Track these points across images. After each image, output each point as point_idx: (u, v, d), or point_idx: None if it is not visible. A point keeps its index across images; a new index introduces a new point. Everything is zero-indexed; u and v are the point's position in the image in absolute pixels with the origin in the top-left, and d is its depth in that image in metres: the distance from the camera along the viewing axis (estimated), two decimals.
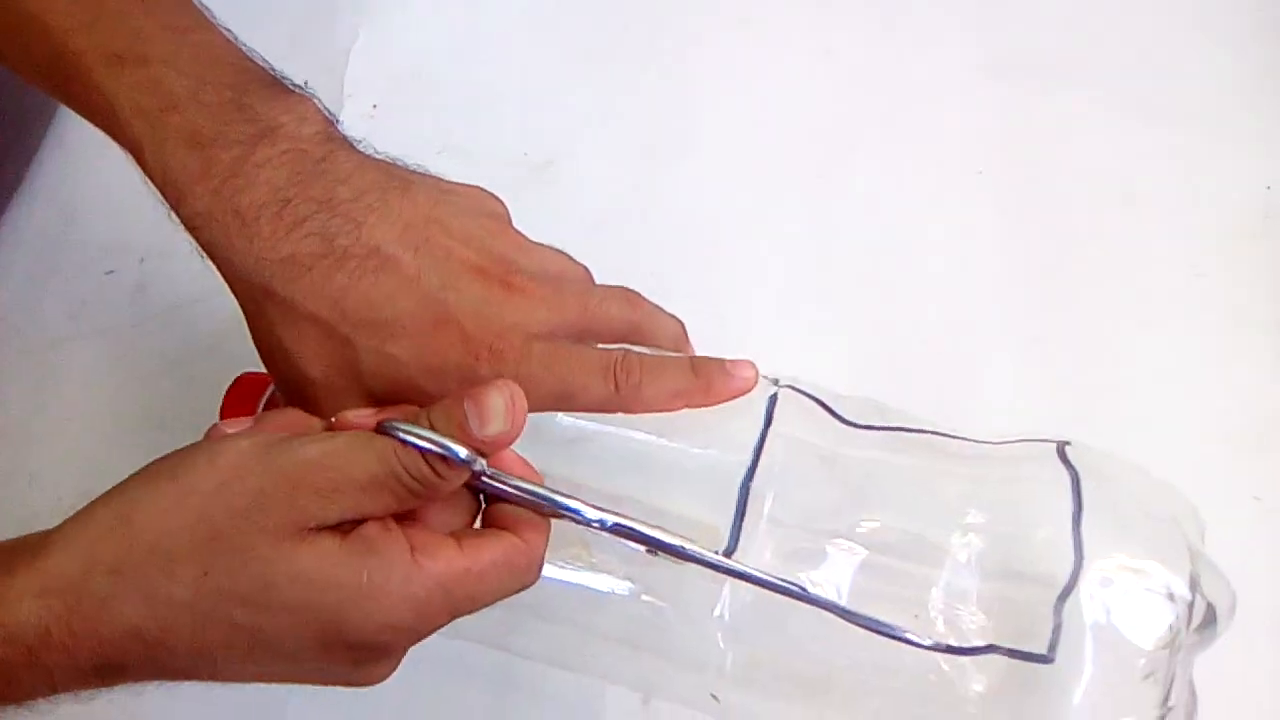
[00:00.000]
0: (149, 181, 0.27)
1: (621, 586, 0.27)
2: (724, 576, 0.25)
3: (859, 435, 0.28)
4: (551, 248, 0.29)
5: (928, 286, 0.42)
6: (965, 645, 0.24)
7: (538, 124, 0.46)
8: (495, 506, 0.24)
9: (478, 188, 0.29)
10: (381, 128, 0.47)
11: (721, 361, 0.27)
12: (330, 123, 0.27)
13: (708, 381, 0.26)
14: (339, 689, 0.24)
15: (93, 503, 0.22)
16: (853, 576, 0.26)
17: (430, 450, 0.22)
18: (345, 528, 0.22)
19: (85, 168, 0.47)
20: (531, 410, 0.25)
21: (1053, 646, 0.24)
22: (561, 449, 0.28)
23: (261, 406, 0.33)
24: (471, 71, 0.48)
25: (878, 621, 0.23)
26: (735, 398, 0.27)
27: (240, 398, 0.34)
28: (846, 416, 0.28)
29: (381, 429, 0.22)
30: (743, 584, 0.24)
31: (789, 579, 0.24)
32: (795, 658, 0.27)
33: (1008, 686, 0.25)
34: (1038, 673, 0.24)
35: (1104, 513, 0.26)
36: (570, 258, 0.29)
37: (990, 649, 0.24)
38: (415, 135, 0.46)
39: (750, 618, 0.26)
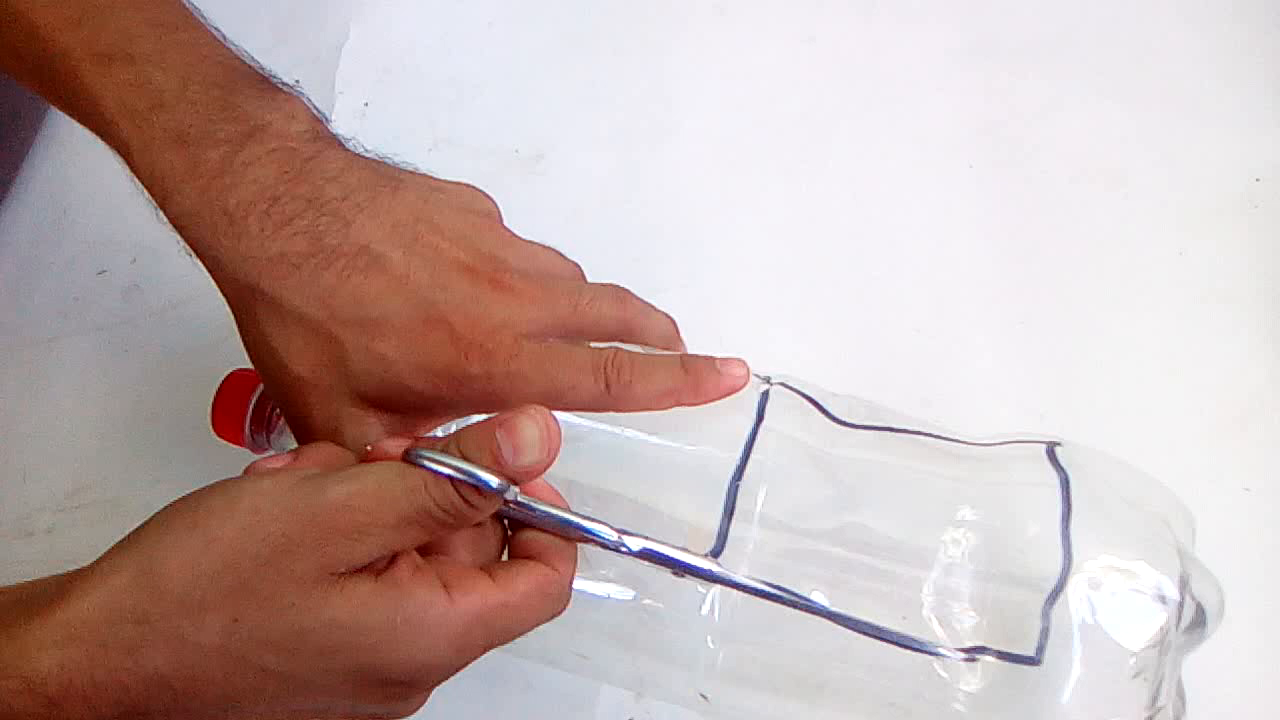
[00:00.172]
0: (136, 181, 0.27)
1: (612, 586, 0.27)
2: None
3: (850, 434, 0.28)
4: (542, 245, 0.29)
5: (912, 272, 0.42)
6: (953, 646, 0.24)
7: (528, 118, 0.46)
8: (522, 535, 0.24)
9: (468, 185, 0.29)
10: (373, 124, 0.47)
11: (712, 359, 0.27)
12: (319, 121, 0.27)
13: (698, 380, 0.26)
14: None
15: (112, 550, 0.21)
16: (842, 576, 0.26)
17: (462, 480, 0.22)
18: (376, 566, 0.22)
19: (77, 167, 0.47)
20: None
21: (1040, 649, 0.24)
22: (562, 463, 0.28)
23: (253, 403, 0.33)
24: (461, 66, 0.48)
25: (867, 624, 0.23)
26: (726, 396, 0.27)
27: (232, 395, 0.34)
28: (838, 415, 0.28)
29: (409, 459, 0.22)
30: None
31: (814, 600, 0.24)
32: (785, 657, 0.27)
33: (998, 686, 0.25)
34: (1028, 673, 0.24)
35: (1093, 514, 0.26)
36: (561, 255, 0.29)
37: (978, 651, 0.24)
38: (407, 131, 0.46)
39: (739, 617, 0.26)
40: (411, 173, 0.28)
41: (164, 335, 0.42)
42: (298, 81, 0.28)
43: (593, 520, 0.23)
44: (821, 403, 0.29)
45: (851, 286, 0.42)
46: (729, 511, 0.26)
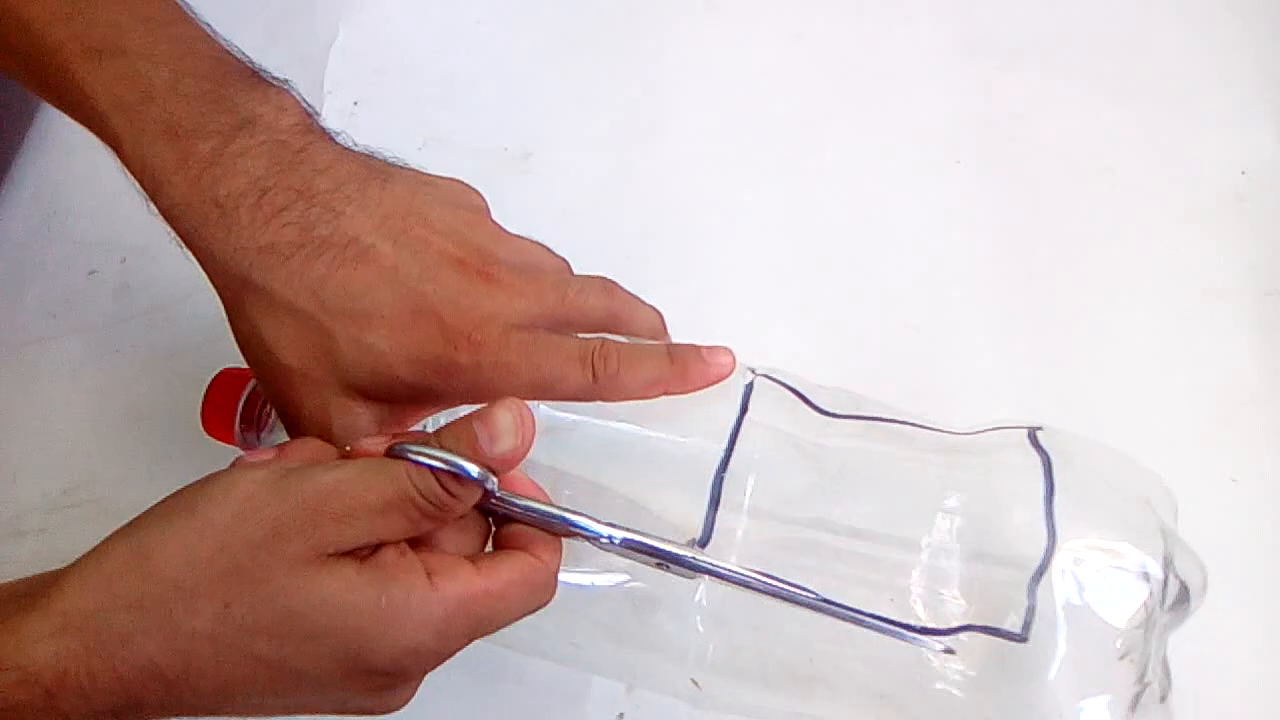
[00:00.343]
0: (128, 174, 0.27)
1: (601, 576, 0.27)
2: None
3: (835, 424, 0.28)
4: (530, 239, 0.29)
5: (905, 269, 0.42)
6: (941, 627, 0.24)
7: (516, 115, 0.47)
8: (506, 528, 0.24)
9: (457, 180, 0.29)
10: (363, 123, 0.47)
11: (698, 348, 0.27)
12: (309, 115, 0.27)
13: (684, 368, 0.27)
14: None
15: (107, 540, 0.22)
16: (829, 564, 0.26)
17: (443, 469, 0.22)
18: (362, 554, 0.22)
19: (68, 167, 0.47)
20: None
21: (1027, 626, 0.24)
22: (540, 438, 0.28)
23: (242, 402, 0.33)
24: (450, 64, 0.48)
25: (852, 611, 0.24)
26: (712, 384, 0.27)
27: (221, 393, 0.34)
28: (822, 406, 0.29)
29: (393, 452, 0.22)
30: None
31: (806, 589, 0.24)
32: (775, 645, 0.27)
33: (987, 667, 0.25)
34: (1016, 653, 0.25)
35: (1076, 494, 0.26)
36: (548, 249, 0.30)
37: (964, 629, 0.24)
38: (396, 130, 0.46)
39: (728, 606, 0.27)
40: (401, 167, 0.28)
41: (154, 335, 0.42)
42: (287, 81, 0.28)
43: (576, 513, 0.24)
44: (806, 394, 0.29)
45: (844, 283, 0.42)
46: (714, 502, 0.26)
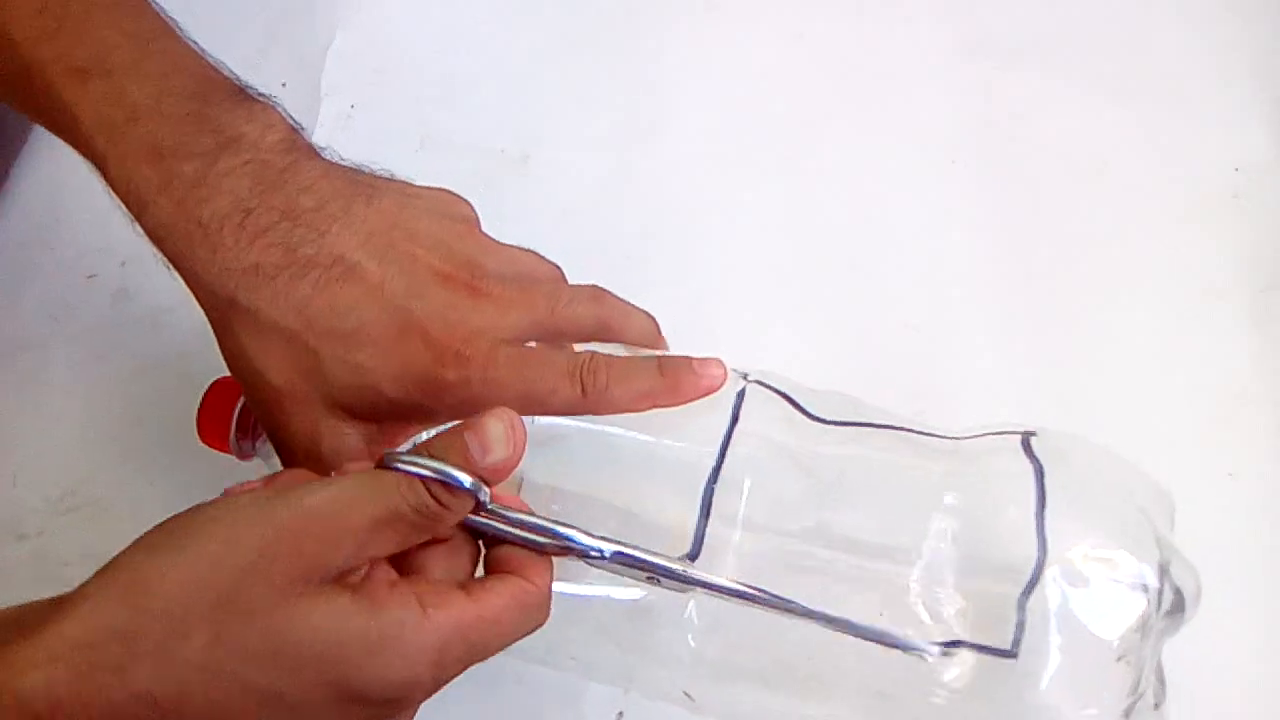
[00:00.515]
0: (113, 195, 0.27)
1: (594, 587, 0.27)
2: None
3: (827, 431, 0.28)
4: (520, 247, 0.29)
5: (904, 269, 0.42)
6: (931, 641, 0.24)
7: (515, 117, 0.47)
8: (496, 551, 0.24)
9: (445, 190, 0.29)
10: (360, 126, 0.47)
11: (689, 360, 0.27)
12: (294, 131, 0.27)
13: (675, 381, 0.26)
14: None
15: (98, 573, 0.21)
16: (822, 573, 0.26)
17: (433, 479, 0.22)
18: (354, 579, 0.22)
19: (67, 172, 0.46)
20: None
21: (1016, 642, 0.24)
22: (531, 450, 0.28)
23: (237, 412, 0.33)
24: (449, 65, 0.48)
25: (844, 622, 0.23)
26: (704, 396, 0.27)
27: (216, 403, 0.33)
28: (814, 412, 0.28)
29: (382, 463, 0.22)
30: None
31: (795, 602, 0.24)
32: (768, 654, 0.27)
33: (980, 677, 0.25)
34: (1007, 664, 0.24)
35: (1069, 501, 0.26)
36: (540, 256, 0.29)
37: (954, 645, 0.24)
38: (394, 132, 0.46)
39: (720, 617, 0.26)
40: (388, 180, 0.28)
41: (153, 339, 0.42)
42: (284, 85, 0.28)
43: (566, 525, 0.23)
44: (798, 399, 0.29)
45: (844, 283, 0.42)
46: (704, 513, 0.26)
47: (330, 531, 0.21)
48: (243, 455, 0.34)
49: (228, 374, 0.34)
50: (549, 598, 0.24)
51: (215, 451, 0.35)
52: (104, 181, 0.27)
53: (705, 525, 0.26)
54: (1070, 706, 0.24)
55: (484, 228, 0.29)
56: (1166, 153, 0.44)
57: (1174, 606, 0.25)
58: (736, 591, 0.24)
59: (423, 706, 0.24)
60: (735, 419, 0.28)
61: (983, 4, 0.48)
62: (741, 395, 0.28)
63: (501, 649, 0.23)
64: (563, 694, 0.35)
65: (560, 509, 0.27)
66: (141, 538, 0.22)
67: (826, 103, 0.46)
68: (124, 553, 0.21)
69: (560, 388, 0.26)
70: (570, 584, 0.27)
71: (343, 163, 0.28)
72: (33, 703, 0.20)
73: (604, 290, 0.29)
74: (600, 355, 0.26)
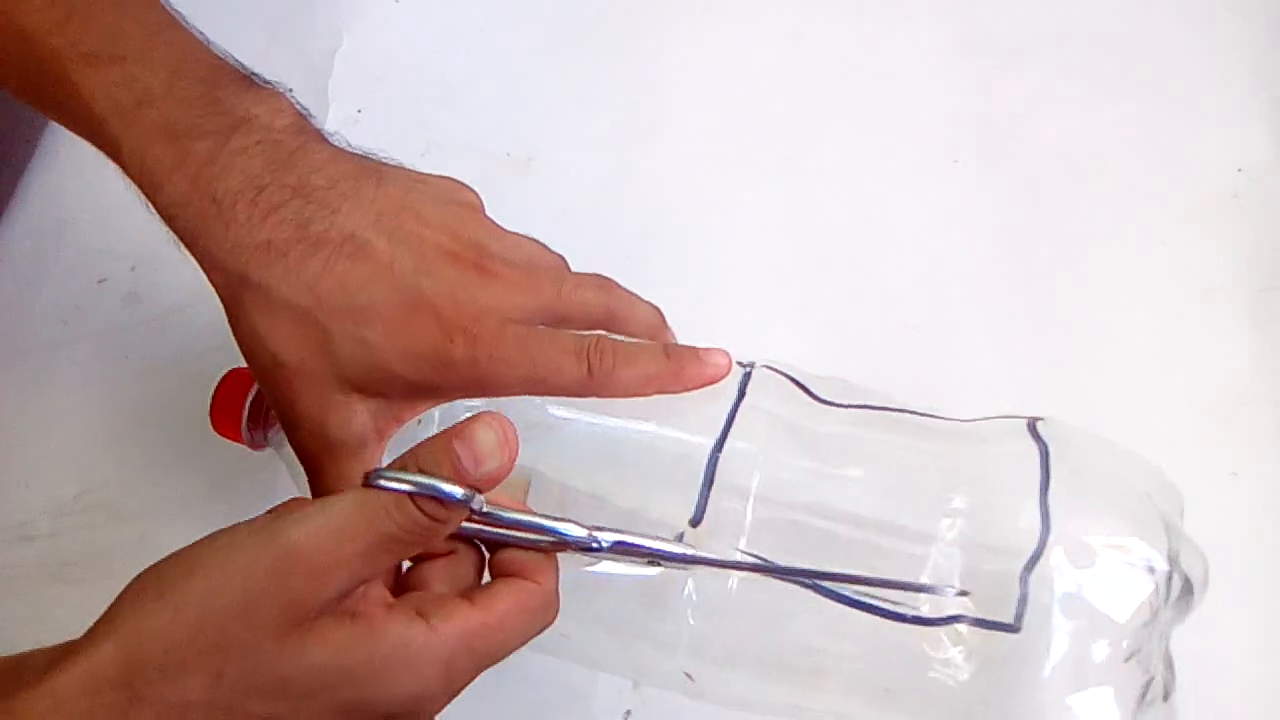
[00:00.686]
0: (126, 176, 0.27)
1: (591, 570, 0.27)
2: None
3: (833, 412, 0.28)
4: (525, 235, 0.29)
5: (904, 268, 0.42)
6: (935, 615, 0.24)
7: (519, 120, 0.47)
8: (499, 555, 0.24)
9: (450, 178, 0.29)
10: (367, 130, 0.48)
11: (695, 349, 0.27)
12: (303, 116, 0.28)
13: (680, 367, 0.27)
14: None
15: (96, 624, 0.21)
16: (825, 548, 0.26)
17: (422, 494, 0.21)
18: (350, 605, 0.22)
19: (77, 177, 0.47)
20: (505, 394, 0.26)
21: (1019, 616, 0.24)
22: (535, 434, 0.28)
23: (249, 402, 0.34)
24: (452, 70, 0.49)
25: (843, 593, 0.24)
26: (708, 384, 0.27)
27: (229, 392, 0.34)
28: (821, 395, 0.29)
29: (369, 481, 0.22)
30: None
31: (800, 569, 0.24)
32: (771, 633, 0.27)
33: (984, 656, 0.25)
34: (1014, 643, 0.24)
35: (1074, 486, 0.26)
36: (544, 246, 0.30)
37: (958, 619, 0.24)
38: (400, 136, 0.47)
39: (723, 593, 0.27)
40: (395, 166, 0.28)
41: (163, 341, 0.43)
42: (290, 91, 0.29)
43: (559, 520, 0.23)
44: (804, 383, 0.29)
45: (844, 283, 0.42)
46: (708, 482, 0.26)
47: (317, 568, 0.21)
48: (255, 445, 0.35)
49: (241, 365, 0.35)
50: (556, 596, 0.24)
51: (226, 451, 0.35)
52: (117, 166, 0.27)
53: (709, 493, 0.26)
54: (1075, 688, 0.24)
55: (500, 225, 0.30)
56: (1166, 152, 0.44)
57: (1182, 593, 0.25)
58: (736, 564, 0.24)
59: None
60: (742, 395, 0.28)
61: (983, 4, 0.48)
62: (748, 376, 0.29)
63: (512, 652, 0.23)
64: (571, 691, 0.35)
65: (558, 494, 0.27)
66: (132, 584, 0.22)
67: (826, 103, 0.46)
68: (114, 606, 0.21)
69: (566, 366, 0.26)
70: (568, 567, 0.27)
71: (350, 149, 0.28)
72: None
73: (611, 280, 0.29)
74: (607, 338, 0.26)
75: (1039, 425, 0.28)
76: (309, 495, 0.27)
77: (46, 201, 0.47)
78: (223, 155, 0.26)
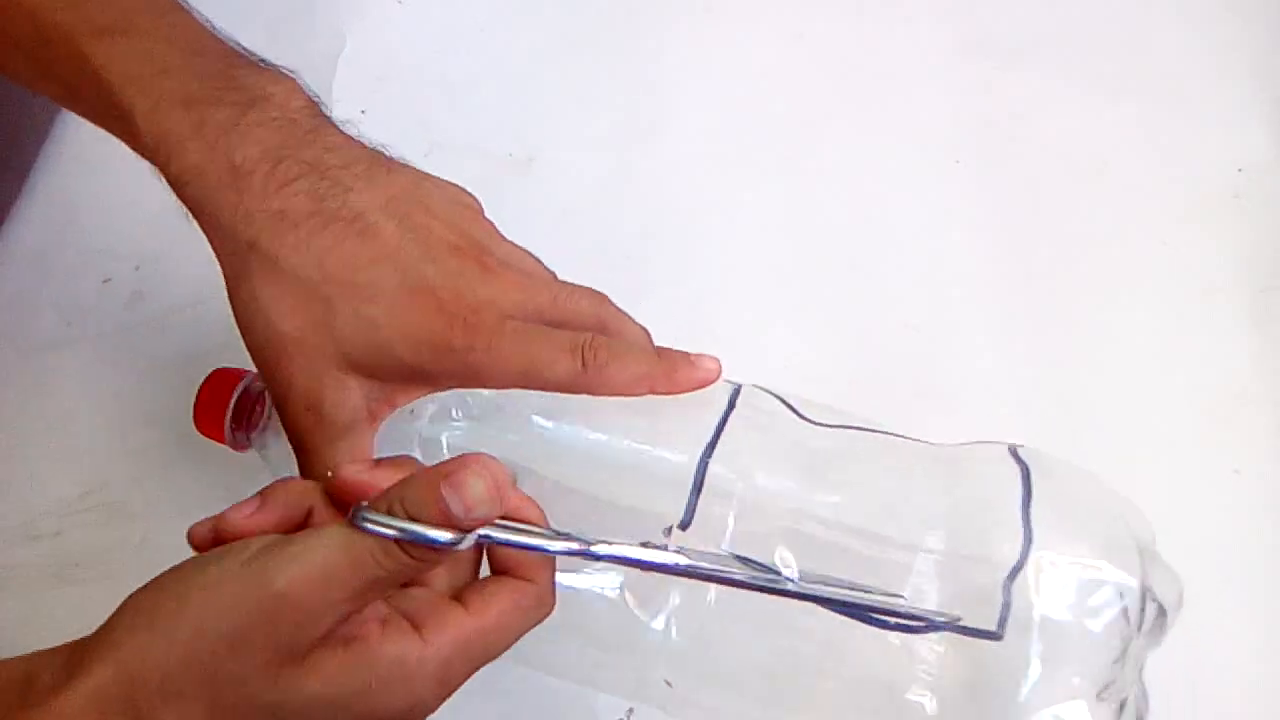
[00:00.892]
0: (137, 146, 0.27)
1: (579, 577, 0.27)
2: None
3: (820, 430, 0.28)
4: (521, 247, 0.30)
5: (904, 269, 0.42)
6: (917, 623, 0.24)
7: (521, 120, 0.47)
8: (496, 549, 0.24)
9: (453, 183, 0.29)
10: (369, 131, 0.47)
11: (687, 352, 0.27)
12: (315, 102, 0.28)
13: (672, 368, 0.27)
14: None
15: (87, 650, 0.21)
16: (811, 557, 0.26)
17: (408, 540, 0.21)
18: (343, 634, 0.22)
19: (82, 178, 0.47)
20: (499, 385, 0.26)
21: (1001, 623, 0.24)
22: (530, 444, 0.28)
23: (234, 400, 0.34)
24: (454, 71, 0.49)
25: (827, 598, 0.23)
26: (699, 387, 0.27)
27: (214, 391, 0.34)
28: (808, 415, 0.29)
29: (354, 521, 0.21)
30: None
31: (781, 574, 0.24)
32: (749, 643, 0.27)
33: (962, 678, 0.25)
34: (992, 665, 0.25)
35: (1054, 507, 0.26)
36: (538, 259, 0.30)
37: (941, 626, 0.24)
38: (402, 137, 0.46)
39: (698, 602, 0.27)
40: (403, 162, 0.29)
41: (167, 341, 0.43)
42: (295, 72, 0.29)
43: (558, 538, 0.23)
44: (792, 403, 0.29)
45: (844, 283, 0.42)
46: (697, 487, 0.26)
47: (305, 613, 0.21)
48: (237, 446, 0.35)
49: (225, 365, 0.35)
50: (551, 593, 0.24)
51: (229, 454, 0.35)
52: (125, 140, 0.27)
53: (698, 498, 0.26)
54: (1052, 709, 0.24)
55: (500, 230, 0.30)
56: (1167, 153, 0.44)
57: (1156, 619, 0.25)
58: (736, 581, 0.23)
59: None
60: (731, 407, 0.28)
61: (983, 4, 0.48)
62: (737, 391, 0.29)
63: (505, 650, 0.23)
64: (572, 692, 0.35)
65: (554, 491, 0.27)
66: (126, 604, 0.22)
67: (826, 103, 0.46)
68: (110, 623, 0.22)
69: (560, 361, 0.26)
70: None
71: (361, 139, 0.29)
72: None
73: (605, 294, 0.29)
74: (601, 337, 0.27)
75: (1020, 450, 0.28)
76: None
77: (51, 202, 0.47)
78: (241, 125, 0.26)
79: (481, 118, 0.47)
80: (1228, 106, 0.44)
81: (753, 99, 0.47)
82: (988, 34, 0.47)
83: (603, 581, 0.27)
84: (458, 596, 0.23)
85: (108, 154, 0.45)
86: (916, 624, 0.24)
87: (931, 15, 0.48)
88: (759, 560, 0.24)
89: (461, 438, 0.29)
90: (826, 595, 0.23)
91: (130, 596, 0.22)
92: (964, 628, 0.24)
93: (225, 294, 0.27)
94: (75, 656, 0.21)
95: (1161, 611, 0.25)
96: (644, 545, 0.23)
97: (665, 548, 0.23)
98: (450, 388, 0.27)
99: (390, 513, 0.21)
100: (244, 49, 0.29)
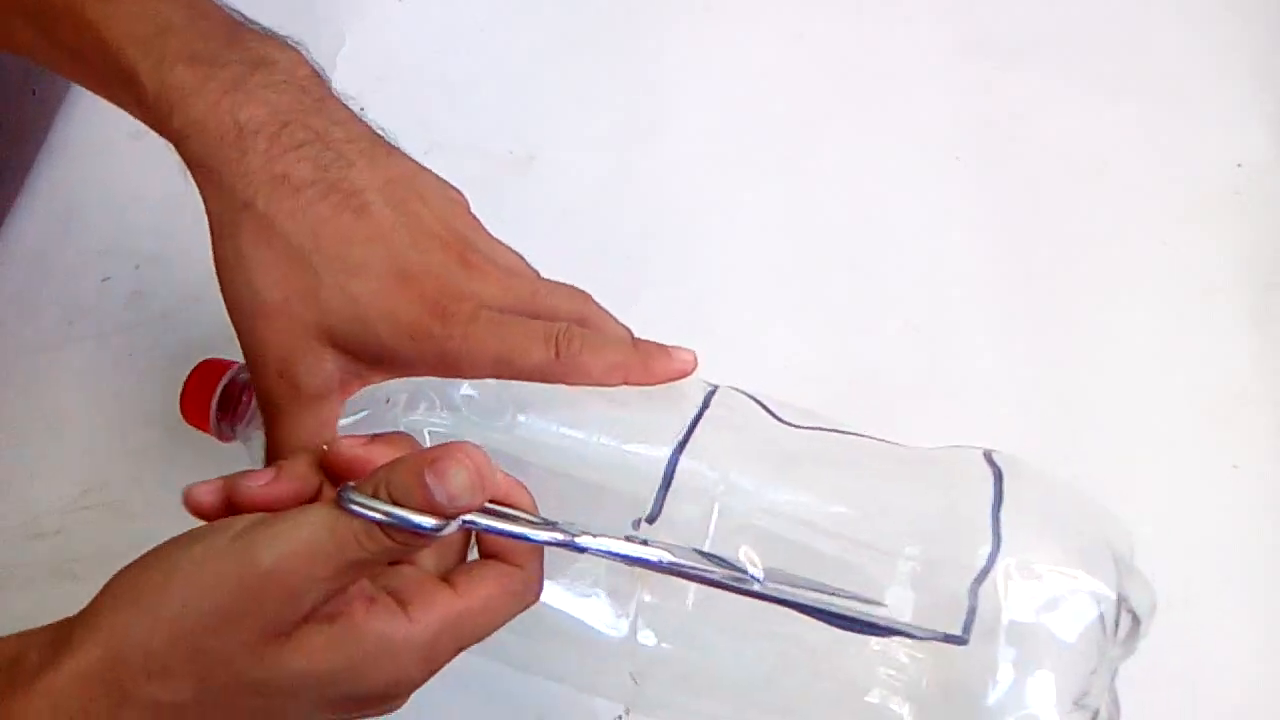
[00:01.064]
0: (140, 109, 0.27)
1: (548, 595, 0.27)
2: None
3: (794, 431, 0.28)
4: (506, 245, 0.30)
5: (904, 268, 0.42)
6: (883, 626, 0.24)
7: (521, 119, 0.47)
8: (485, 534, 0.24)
9: (442, 178, 0.30)
10: None
11: (664, 345, 0.27)
12: (320, 74, 0.28)
13: (647, 358, 0.27)
14: None
15: (71, 630, 0.21)
16: (780, 556, 0.26)
17: (393, 524, 0.21)
18: (328, 611, 0.22)
19: (82, 177, 0.47)
20: (473, 374, 0.26)
21: (967, 628, 0.24)
22: (508, 436, 0.28)
23: (219, 391, 0.34)
24: (454, 70, 0.49)
25: (792, 599, 0.23)
26: (674, 379, 0.27)
27: (200, 381, 0.34)
28: (784, 417, 0.29)
29: (340, 502, 0.21)
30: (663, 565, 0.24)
31: (746, 573, 0.23)
32: (723, 642, 0.27)
33: (938, 672, 0.25)
34: (963, 659, 0.24)
35: (1026, 510, 0.26)
36: (522, 257, 0.30)
37: (906, 630, 0.24)
38: (402, 135, 0.46)
39: (676, 600, 0.27)
40: (400, 150, 0.29)
41: (167, 340, 0.43)
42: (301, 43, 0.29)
43: (544, 528, 0.23)
44: (767, 405, 0.29)
45: (844, 283, 0.42)
46: (666, 482, 0.26)
47: (289, 591, 0.21)
48: (222, 436, 0.35)
49: (215, 357, 0.35)
50: (538, 579, 0.24)
51: (230, 450, 0.36)
52: (124, 103, 0.27)
53: (666, 493, 0.26)
54: (1019, 715, 0.24)
55: (486, 228, 0.30)
56: (1167, 152, 0.44)
57: (1130, 628, 0.25)
58: (719, 583, 0.23)
59: (428, 699, 0.24)
60: (705, 407, 0.28)
61: (983, 4, 0.48)
62: (712, 392, 0.29)
63: (491, 633, 0.24)
64: (572, 693, 0.35)
65: (529, 474, 0.27)
66: (110, 584, 0.22)
67: (826, 103, 0.46)
68: (95, 603, 0.22)
69: (534, 348, 0.26)
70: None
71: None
72: None
73: (587, 293, 0.29)
74: (576, 326, 0.27)
75: (994, 454, 0.28)
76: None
77: (51, 201, 0.47)
78: (247, 85, 0.26)
79: (481, 117, 0.47)
80: (1228, 106, 0.44)
81: (753, 99, 0.47)
82: (988, 34, 0.47)
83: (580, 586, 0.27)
84: (446, 578, 0.23)
85: (108, 153, 0.45)
86: (882, 629, 0.24)
87: (931, 15, 0.48)
88: (723, 557, 0.24)
89: (443, 432, 0.29)
90: (793, 599, 0.23)
91: (116, 575, 0.22)
92: (930, 632, 0.24)
93: (206, 212, 0.27)
94: (62, 635, 0.21)
95: (1136, 621, 0.25)
96: (629, 539, 0.23)
97: (646, 542, 0.23)
98: (425, 374, 0.27)
99: (376, 496, 0.21)
100: (247, 18, 0.29)
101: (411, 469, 0.21)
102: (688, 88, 0.47)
